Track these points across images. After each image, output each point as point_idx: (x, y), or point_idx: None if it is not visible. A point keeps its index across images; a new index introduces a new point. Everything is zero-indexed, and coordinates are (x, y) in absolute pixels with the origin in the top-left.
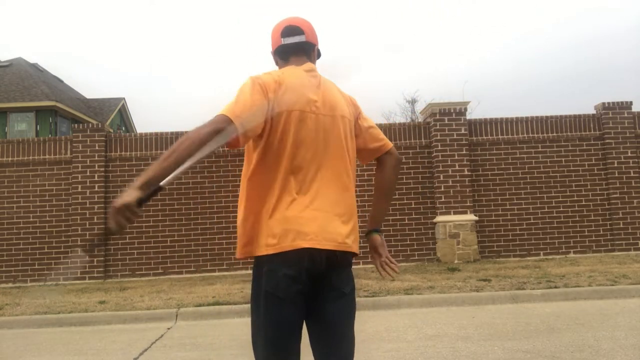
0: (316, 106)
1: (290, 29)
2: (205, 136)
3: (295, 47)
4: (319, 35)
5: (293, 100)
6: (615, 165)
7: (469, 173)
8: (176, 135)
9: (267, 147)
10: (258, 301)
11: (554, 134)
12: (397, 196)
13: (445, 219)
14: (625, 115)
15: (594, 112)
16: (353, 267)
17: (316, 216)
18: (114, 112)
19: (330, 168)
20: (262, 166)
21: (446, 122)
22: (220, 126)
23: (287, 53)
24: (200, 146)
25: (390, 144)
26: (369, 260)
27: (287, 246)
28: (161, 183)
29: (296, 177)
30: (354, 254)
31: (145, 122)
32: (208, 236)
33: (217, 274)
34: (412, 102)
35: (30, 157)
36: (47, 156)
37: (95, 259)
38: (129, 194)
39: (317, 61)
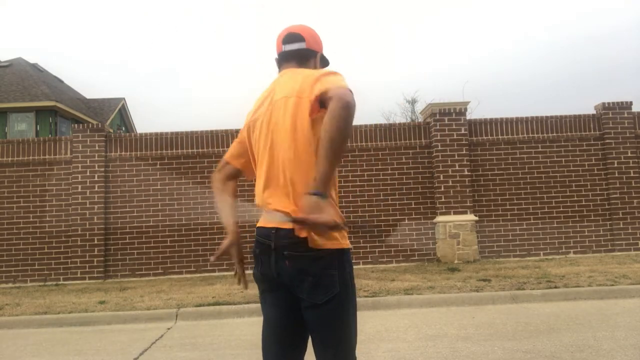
0: (259, 112)
1: (291, 36)
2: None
3: (291, 54)
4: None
5: (245, 124)
6: (615, 165)
7: (469, 173)
8: (176, 135)
9: None
10: None
11: (554, 134)
12: (397, 196)
13: (445, 219)
14: (625, 115)
15: (594, 112)
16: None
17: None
18: (114, 112)
19: (272, 160)
20: None
21: (446, 122)
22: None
23: (281, 60)
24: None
25: (330, 89)
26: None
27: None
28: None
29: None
30: (297, 238)
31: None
32: (208, 236)
33: (217, 274)
34: (412, 102)
35: (30, 157)
36: (47, 156)
37: (95, 259)
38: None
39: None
